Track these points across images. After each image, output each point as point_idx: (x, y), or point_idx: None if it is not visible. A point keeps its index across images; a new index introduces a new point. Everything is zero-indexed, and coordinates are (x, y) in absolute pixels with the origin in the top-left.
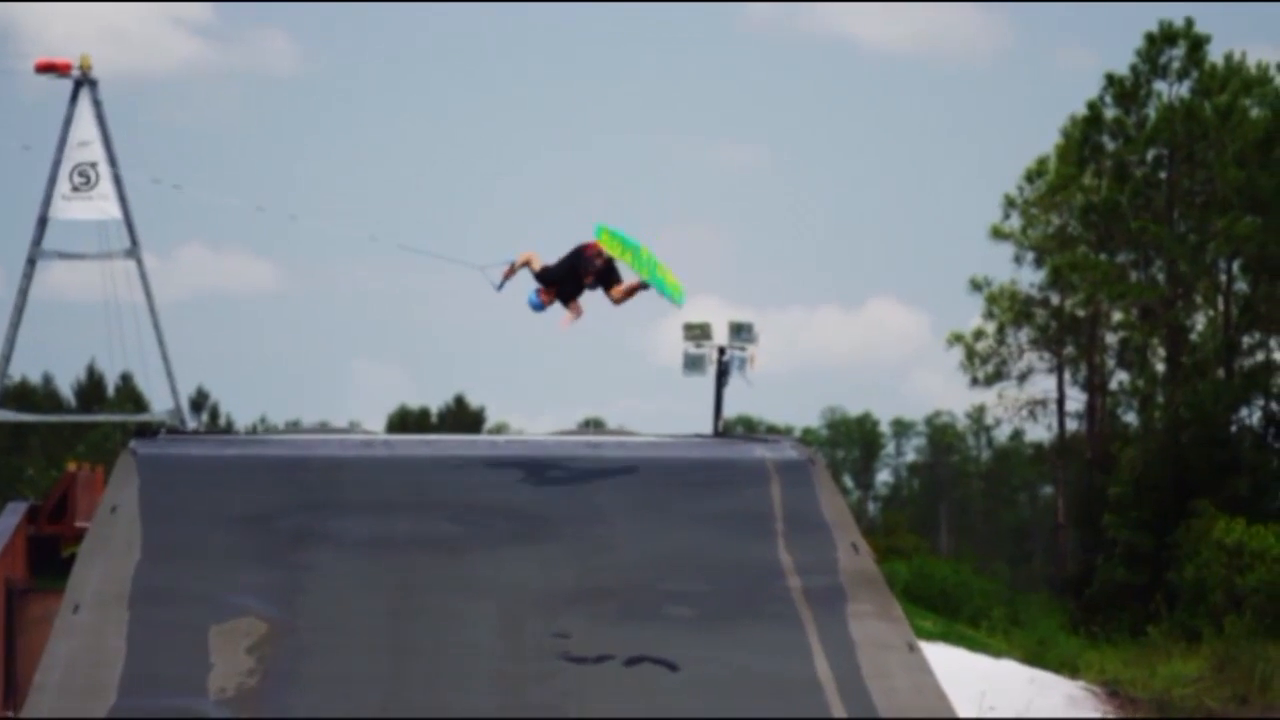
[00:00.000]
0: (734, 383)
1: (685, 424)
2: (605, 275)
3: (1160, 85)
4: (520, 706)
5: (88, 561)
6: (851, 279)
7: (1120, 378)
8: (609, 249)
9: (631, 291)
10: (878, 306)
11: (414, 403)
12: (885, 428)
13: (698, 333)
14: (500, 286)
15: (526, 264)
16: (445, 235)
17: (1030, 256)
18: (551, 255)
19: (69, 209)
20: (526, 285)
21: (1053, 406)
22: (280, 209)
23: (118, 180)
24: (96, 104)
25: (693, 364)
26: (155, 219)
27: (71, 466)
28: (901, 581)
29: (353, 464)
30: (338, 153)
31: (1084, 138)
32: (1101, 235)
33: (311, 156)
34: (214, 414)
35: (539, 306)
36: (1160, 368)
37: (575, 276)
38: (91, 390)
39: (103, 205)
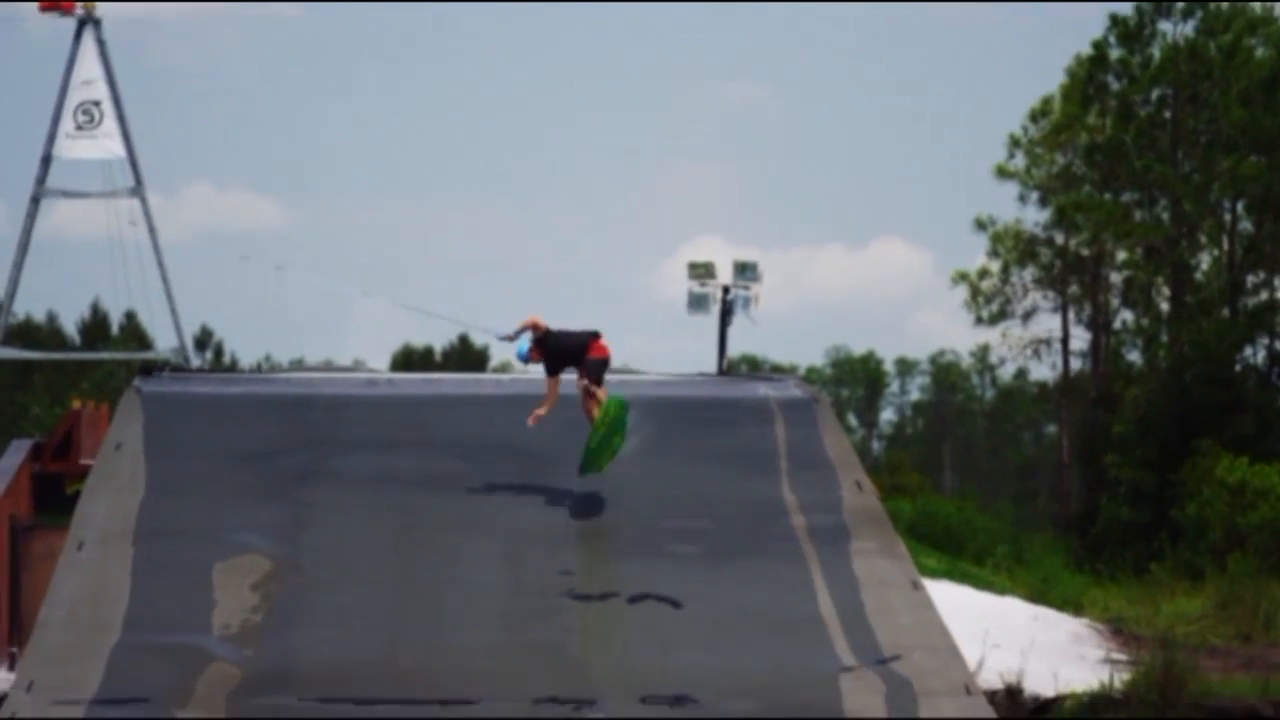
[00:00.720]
0: (738, 321)
1: (689, 363)
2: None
3: (1165, 25)
4: (523, 643)
5: (92, 498)
6: (856, 218)
7: (1124, 317)
8: (598, 416)
9: (587, 410)
10: (882, 245)
11: (418, 341)
12: (889, 366)
13: (702, 272)
14: (502, 338)
15: (532, 327)
16: (450, 170)
17: (1035, 196)
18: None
19: (73, 148)
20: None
21: (1057, 345)
22: (283, 155)
23: (122, 119)
24: (100, 43)
25: (697, 303)
26: (160, 157)
27: (76, 404)
28: (905, 519)
29: (357, 402)
30: (343, 93)
31: (1088, 77)
32: (1106, 174)
33: (317, 96)
34: (218, 352)
35: (525, 359)
36: (1164, 307)
37: (564, 360)
38: (96, 328)
39: (107, 144)
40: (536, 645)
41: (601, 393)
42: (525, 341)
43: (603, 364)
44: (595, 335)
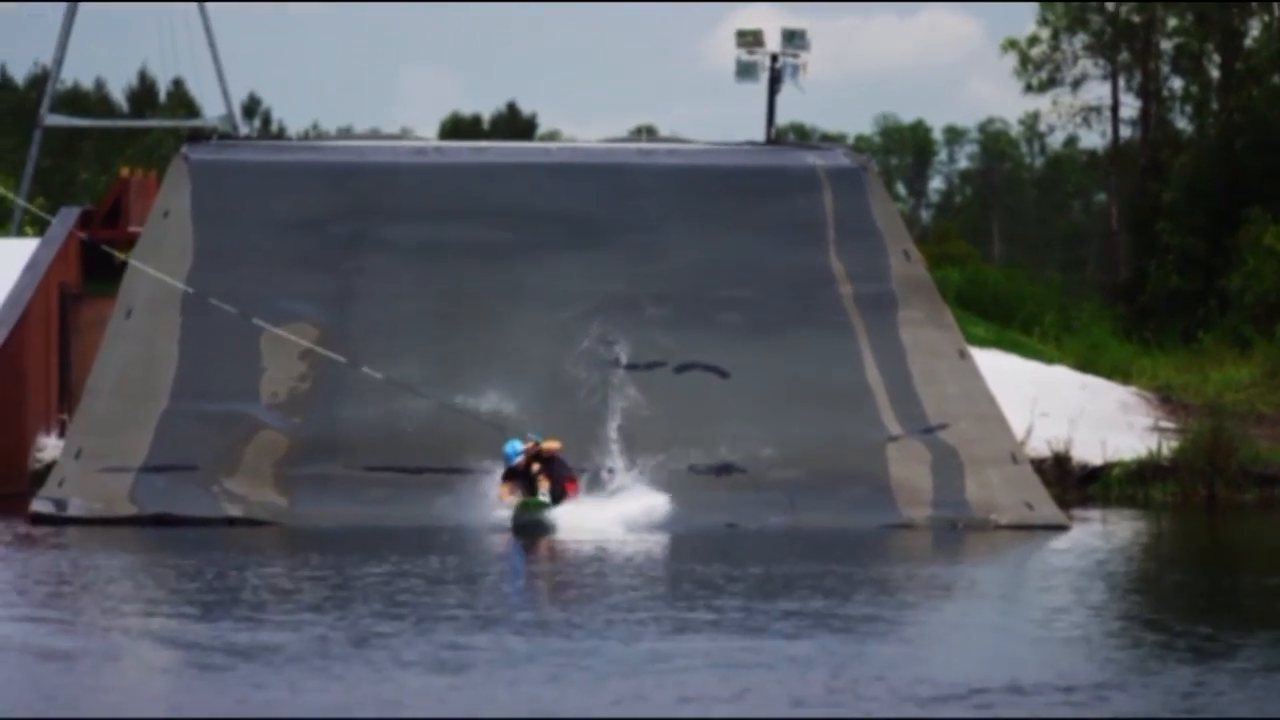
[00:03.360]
0: (786, 90)
1: (738, 132)
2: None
3: None
4: (570, 412)
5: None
6: None
7: (1174, 84)
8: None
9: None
10: (932, 12)
11: (466, 109)
12: (938, 135)
13: (750, 39)
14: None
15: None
16: None
17: None
18: None
19: None
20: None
21: (1106, 113)
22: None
23: None
24: None
25: (745, 71)
26: None
27: (124, 172)
28: (954, 288)
29: (405, 170)
30: None
31: None
32: None
33: None
34: (266, 120)
35: (511, 458)
36: (1215, 74)
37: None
38: (144, 95)
39: None
40: (583, 415)
41: (544, 483)
42: (519, 444)
43: (561, 496)
44: (573, 478)
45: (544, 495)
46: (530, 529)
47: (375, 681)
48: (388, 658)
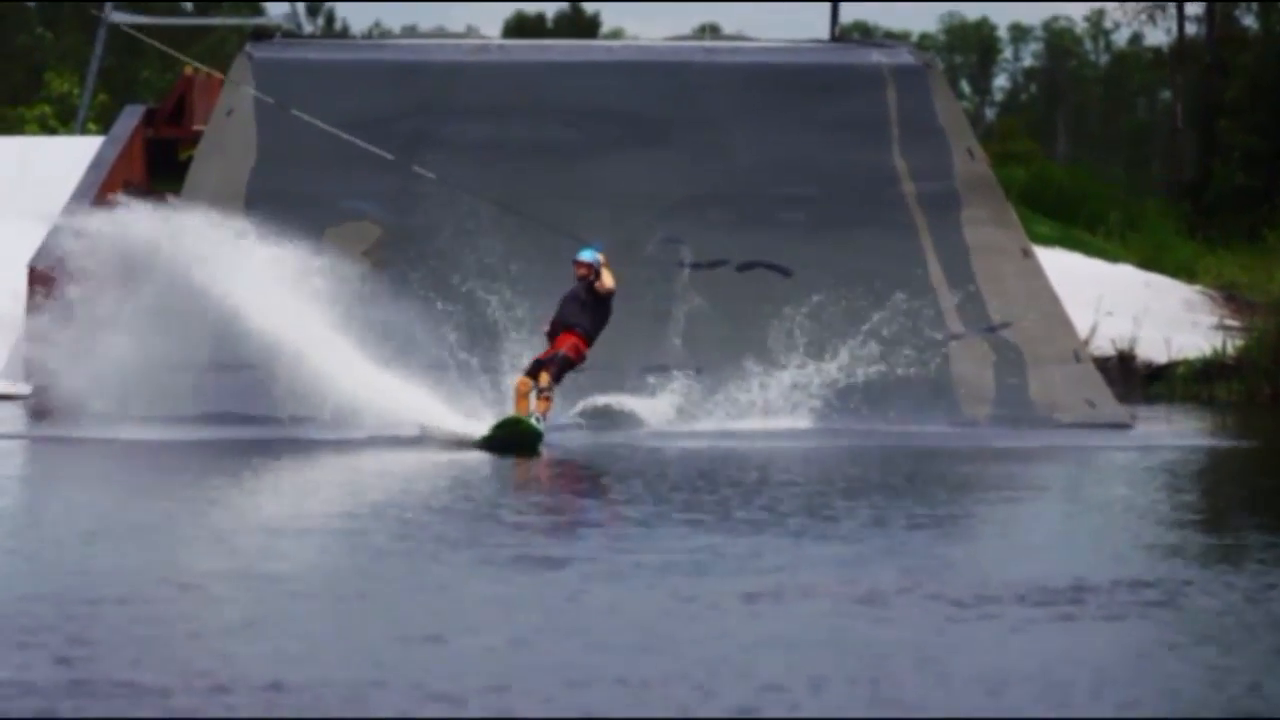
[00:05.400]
0: None
1: (801, 30)
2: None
3: None
4: (633, 311)
5: (204, 164)
6: None
7: None
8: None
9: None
10: None
11: (530, 8)
12: (1003, 32)
13: None
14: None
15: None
16: None
17: None
18: None
19: None
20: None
21: (1171, 9)
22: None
23: None
24: None
25: None
26: None
27: (188, 70)
28: (1017, 187)
29: (468, 69)
30: None
31: None
32: None
33: None
34: (330, 18)
35: (591, 262)
36: None
37: (565, 315)
38: None
39: None
40: (646, 314)
41: (543, 379)
42: (598, 254)
43: (566, 361)
44: (572, 329)
45: (537, 419)
46: (505, 446)
47: (439, 587)
48: (461, 561)
